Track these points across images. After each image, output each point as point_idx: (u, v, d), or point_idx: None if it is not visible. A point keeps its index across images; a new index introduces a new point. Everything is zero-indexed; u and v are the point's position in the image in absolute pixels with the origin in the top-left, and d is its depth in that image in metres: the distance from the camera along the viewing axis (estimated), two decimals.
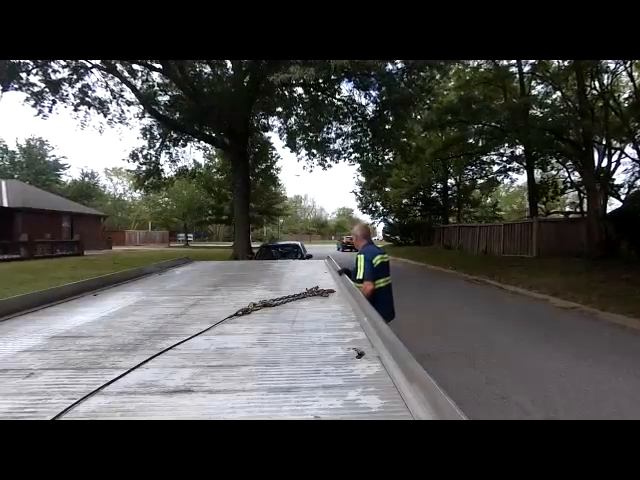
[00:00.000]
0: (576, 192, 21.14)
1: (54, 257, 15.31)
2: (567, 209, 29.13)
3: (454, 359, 4.00)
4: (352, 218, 78.96)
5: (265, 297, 2.01)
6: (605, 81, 12.80)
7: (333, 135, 15.33)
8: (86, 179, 38.01)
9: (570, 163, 15.52)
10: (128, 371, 1.05)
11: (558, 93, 13.99)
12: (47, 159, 34.58)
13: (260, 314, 1.74)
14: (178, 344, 1.30)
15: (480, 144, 18.24)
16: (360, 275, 2.70)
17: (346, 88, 17.75)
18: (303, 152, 15.55)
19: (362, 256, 2.76)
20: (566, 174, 20.49)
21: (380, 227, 33.27)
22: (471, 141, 16.86)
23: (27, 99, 12.19)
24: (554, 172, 20.61)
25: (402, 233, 28.30)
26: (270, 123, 16.68)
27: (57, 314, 1.76)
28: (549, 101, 13.66)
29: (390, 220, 30.07)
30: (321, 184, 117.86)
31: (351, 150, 15.49)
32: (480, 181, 26.00)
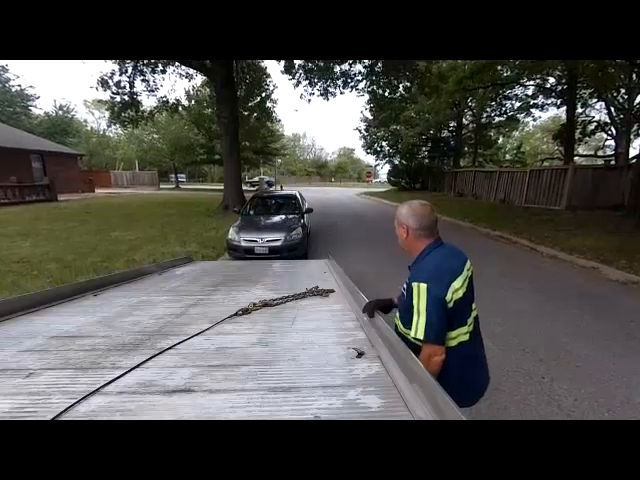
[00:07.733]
0: (600, 135, 18.97)
1: (21, 204, 13.59)
2: (582, 152, 26.79)
3: (519, 382, 2.76)
4: (353, 158, 75.37)
5: (265, 297, 1.98)
6: None
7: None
8: (61, 112, 34.11)
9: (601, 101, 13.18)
10: (128, 371, 1.05)
11: None
12: (11, 88, 30.32)
13: (260, 314, 1.72)
14: (178, 344, 1.29)
15: (509, 73, 15.58)
16: (419, 332, 1.23)
17: None
18: (302, 75, 12.94)
19: (424, 287, 1.24)
20: (593, 114, 18.15)
21: (385, 169, 31.16)
22: (499, 68, 14.18)
23: None
24: (579, 110, 18.27)
25: (408, 177, 26.28)
26: None
27: (57, 314, 1.72)
28: None
29: (396, 162, 27.82)
30: (321, 122, 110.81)
31: (359, 78, 12.95)
32: (498, 119, 23.38)
